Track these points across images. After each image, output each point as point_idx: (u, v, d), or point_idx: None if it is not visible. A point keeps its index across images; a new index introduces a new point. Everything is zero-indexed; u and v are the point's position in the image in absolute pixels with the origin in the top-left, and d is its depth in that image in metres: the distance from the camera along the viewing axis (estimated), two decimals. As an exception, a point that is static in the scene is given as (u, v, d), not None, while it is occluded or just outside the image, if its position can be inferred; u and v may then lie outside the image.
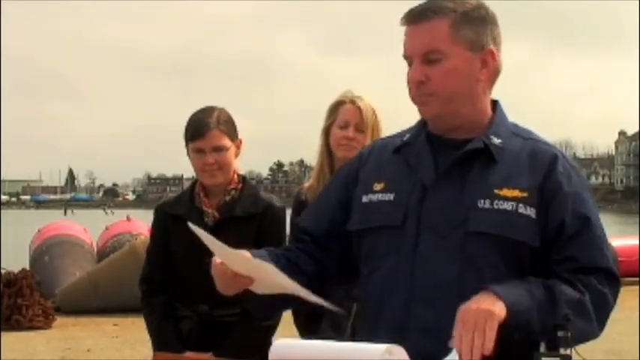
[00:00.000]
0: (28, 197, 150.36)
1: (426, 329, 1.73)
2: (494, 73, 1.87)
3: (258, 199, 2.85)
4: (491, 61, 1.85)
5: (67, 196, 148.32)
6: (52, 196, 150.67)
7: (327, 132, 2.98)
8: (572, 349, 1.63)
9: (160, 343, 2.85)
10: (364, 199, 1.89)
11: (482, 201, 1.77)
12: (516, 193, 1.75)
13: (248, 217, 2.78)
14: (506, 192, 1.77)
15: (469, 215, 1.76)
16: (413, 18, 1.83)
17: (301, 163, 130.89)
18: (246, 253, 1.81)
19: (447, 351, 1.66)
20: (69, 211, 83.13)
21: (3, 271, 9.71)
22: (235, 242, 2.79)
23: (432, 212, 1.79)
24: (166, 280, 2.90)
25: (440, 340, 1.68)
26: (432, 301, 1.75)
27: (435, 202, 1.80)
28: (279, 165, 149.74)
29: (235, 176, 2.87)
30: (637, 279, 12.55)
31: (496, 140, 1.83)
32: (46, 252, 11.76)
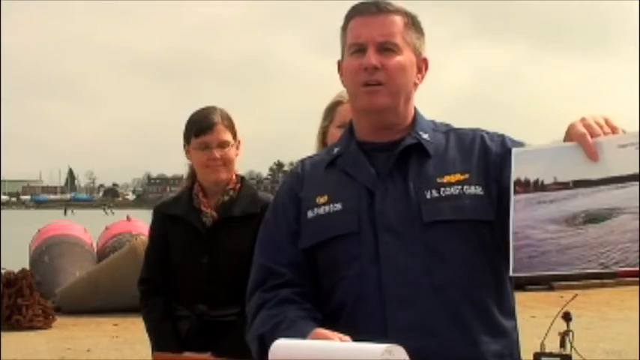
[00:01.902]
0: (28, 197, 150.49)
1: (407, 328, 1.72)
2: (421, 82, 1.94)
3: (257, 199, 2.84)
4: (423, 69, 1.93)
5: (67, 196, 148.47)
6: (52, 196, 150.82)
7: (324, 132, 2.97)
8: (572, 349, 1.64)
9: (158, 343, 2.85)
10: (309, 214, 1.87)
11: (429, 192, 1.80)
12: (458, 177, 1.79)
13: (247, 217, 2.77)
14: (448, 178, 1.81)
15: (421, 208, 1.79)
16: (372, 10, 1.86)
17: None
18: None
19: (434, 345, 1.69)
20: (69, 211, 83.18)
21: (3, 271, 9.72)
22: (234, 242, 2.81)
23: (385, 213, 1.80)
24: (165, 280, 2.89)
25: (424, 335, 1.70)
26: (406, 299, 1.75)
27: (385, 203, 1.81)
28: (279, 165, 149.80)
29: (234, 176, 2.87)
30: (636, 279, 12.56)
31: (425, 135, 1.88)
32: (45, 252, 11.76)
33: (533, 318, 8.26)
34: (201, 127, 2.80)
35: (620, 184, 1.59)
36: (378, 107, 1.84)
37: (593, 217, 1.60)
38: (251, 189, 2.92)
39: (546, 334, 4.77)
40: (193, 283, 2.82)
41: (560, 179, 1.66)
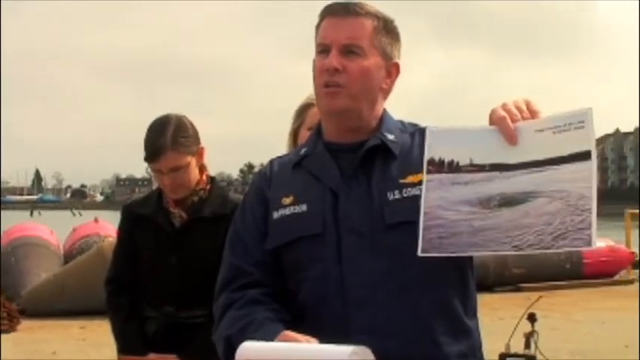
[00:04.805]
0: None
1: (369, 330, 1.72)
2: (392, 87, 1.93)
3: (227, 200, 2.83)
4: (394, 73, 1.91)
5: (34, 197, 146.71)
6: (18, 198, 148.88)
7: (295, 134, 2.96)
8: (537, 350, 1.66)
9: (123, 344, 2.83)
10: (275, 215, 1.87)
11: (391, 193, 1.80)
12: (420, 177, 1.76)
13: (216, 218, 2.76)
14: (410, 179, 1.79)
15: (383, 209, 1.78)
16: (341, 11, 1.86)
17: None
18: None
19: (396, 346, 1.68)
20: (35, 213, 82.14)
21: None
22: (203, 243, 2.80)
23: (348, 215, 1.80)
24: (132, 280, 2.88)
25: (386, 336, 1.71)
26: (367, 301, 1.75)
27: (349, 204, 1.81)
28: (250, 166, 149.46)
29: (204, 177, 2.85)
30: (602, 280, 12.71)
31: (390, 136, 1.88)
32: (11, 253, 11.60)
33: (501, 320, 8.32)
34: (149, 155, 2.71)
35: (536, 169, 1.61)
36: (337, 109, 1.84)
37: (509, 201, 1.61)
38: (221, 190, 2.91)
39: (512, 335, 4.82)
40: (161, 284, 2.80)
41: (477, 161, 1.66)
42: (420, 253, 1.64)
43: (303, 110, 2.93)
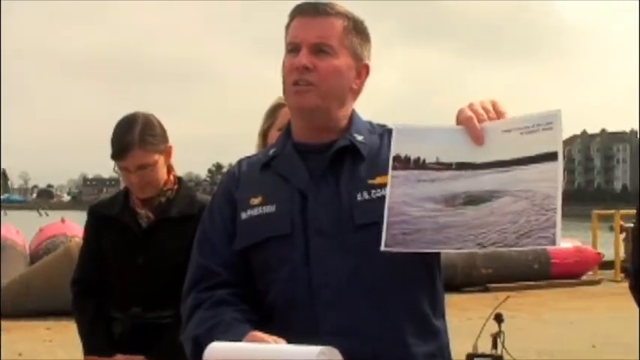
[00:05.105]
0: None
1: (337, 331, 1.73)
2: (362, 87, 1.94)
3: (195, 201, 2.82)
4: (364, 74, 1.92)
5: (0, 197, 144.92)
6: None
7: (265, 134, 2.95)
8: (504, 350, 1.67)
9: (90, 346, 2.81)
10: (243, 216, 1.87)
11: (360, 194, 1.80)
12: (388, 178, 1.77)
13: (184, 218, 2.75)
14: (379, 180, 1.80)
15: (352, 211, 1.79)
16: (311, 11, 1.87)
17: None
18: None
19: (364, 347, 1.69)
20: (1, 213, 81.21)
21: None
22: (170, 244, 2.79)
23: (317, 216, 1.80)
24: (98, 281, 2.85)
25: (354, 337, 1.71)
26: (335, 302, 1.75)
27: (317, 206, 1.81)
28: (218, 167, 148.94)
29: (171, 177, 2.84)
30: (570, 280, 12.85)
31: (359, 137, 1.89)
32: (-24, 254, 11.46)
33: (469, 320, 8.37)
34: (116, 152, 2.69)
35: (502, 168, 1.63)
36: (306, 107, 1.85)
37: (474, 199, 1.63)
38: (189, 190, 2.90)
39: (479, 336, 4.85)
40: (128, 285, 2.78)
41: (443, 160, 1.68)
42: (383, 248, 1.65)
43: (274, 110, 2.92)
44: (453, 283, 11.28)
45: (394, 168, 1.70)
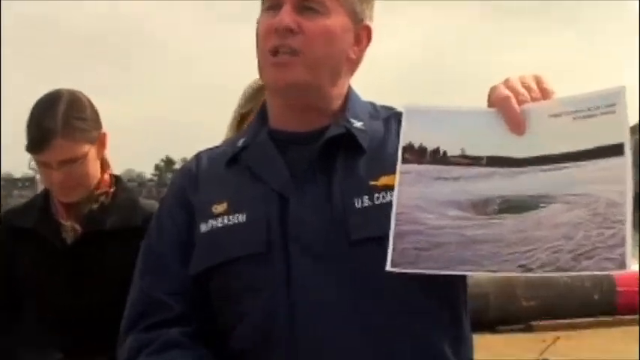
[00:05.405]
0: None
1: None
2: (361, 56, 1.94)
3: (137, 208, 2.83)
4: (364, 40, 1.93)
5: None
6: None
7: (242, 120, 2.96)
8: None
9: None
10: (203, 228, 1.87)
11: (358, 199, 1.79)
12: (396, 174, 1.75)
13: (122, 231, 2.76)
14: (384, 180, 1.79)
15: (348, 221, 1.78)
16: None
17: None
18: None
19: None
20: None
21: None
22: (104, 266, 2.78)
23: (301, 228, 1.79)
24: (6, 318, 2.85)
25: None
26: (327, 345, 1.74)
27: (301, 214, 1.80)
28: (168, 162, 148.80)
29: (106, 176, 2.84)
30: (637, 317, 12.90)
31: (357, 123, 1.89)
32: None
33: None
34: (33, 142, 2.67)
35: (550, 166, 1.63)
36: (289, 84, 1.84)
37: (513, 206, 1.62)
38: (130, 194, 2.91)
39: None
40: (47, 322, 2.78)
41: (471, 153, 1.68)
42: (388, 268, 1.63)
43: (257, 93, 2.93)
44: (485, 318, 11.31)
45: (405, 161, 1.69)
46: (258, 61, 1.89)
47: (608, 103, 1.60)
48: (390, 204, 1.72)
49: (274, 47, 1.83)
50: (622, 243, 1.52)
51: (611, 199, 1.56)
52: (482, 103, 1.72)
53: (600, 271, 1.53)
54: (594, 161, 1.59)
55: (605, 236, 1.54)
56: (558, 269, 1.55)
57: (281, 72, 1.84)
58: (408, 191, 1.67)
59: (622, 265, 1.50)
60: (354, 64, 1.94)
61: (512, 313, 12.25)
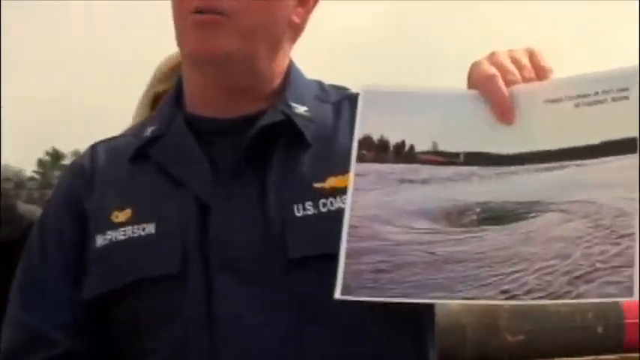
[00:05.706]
0: None
1: None
2: (305, 21, 1.94)
3: (15, 216, 2.84)
4: (311, 1, 1.93)
5: None
6: None
7: (156, 100, 2.96)
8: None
9: None
10: (100, 241, 1.85)
11: (299, 206, 1.78)
12: (350, 175, 1.73)
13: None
14: (334, 182, 1.79)
15: (285, 233, 1.77)
16: None
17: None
18: None
19: None
20: None
21: None
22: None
23: (226, 243, 1.78)
24: None
25: None
26: None
27: (226, 225, 1.79)
28: (56, 155, 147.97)
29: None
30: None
31: (300, 108, 1.88)
32: None
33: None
34: None
35: (545, 164, 1.62)
36: (214, 53, 1.82)
37: (497, 216, 1.62)
38: (7, 199, 2.90)
39: None
40: None
41: (445, 148, 1.67)
42: (338, 295, 1.61)
43: (176, 68, 2.93)
44: (461, 356, 11.41)
45: (361, 159, 1.68)
46: (176, 24, 1.86)
47: (621, 87, 1.58)
48: (340, 212, 1.70)
49: (196, 7, 1.80)
50: (630, 263, 1.49)
51: (618, 208, 1.55)
52: (462, 84, 1.72)
53: (602, 298, 1.53)
54: (600, 160, 1.58)
55: (609, 254, 1.52)
56: (550, 296, 1.54)
57: (205, 36, 1.81)
58: (364, 197, 1.66)
59: (629, 291, 1.48)
60: (297, 31, 1.94)
61: (494, 350, 12.36)
